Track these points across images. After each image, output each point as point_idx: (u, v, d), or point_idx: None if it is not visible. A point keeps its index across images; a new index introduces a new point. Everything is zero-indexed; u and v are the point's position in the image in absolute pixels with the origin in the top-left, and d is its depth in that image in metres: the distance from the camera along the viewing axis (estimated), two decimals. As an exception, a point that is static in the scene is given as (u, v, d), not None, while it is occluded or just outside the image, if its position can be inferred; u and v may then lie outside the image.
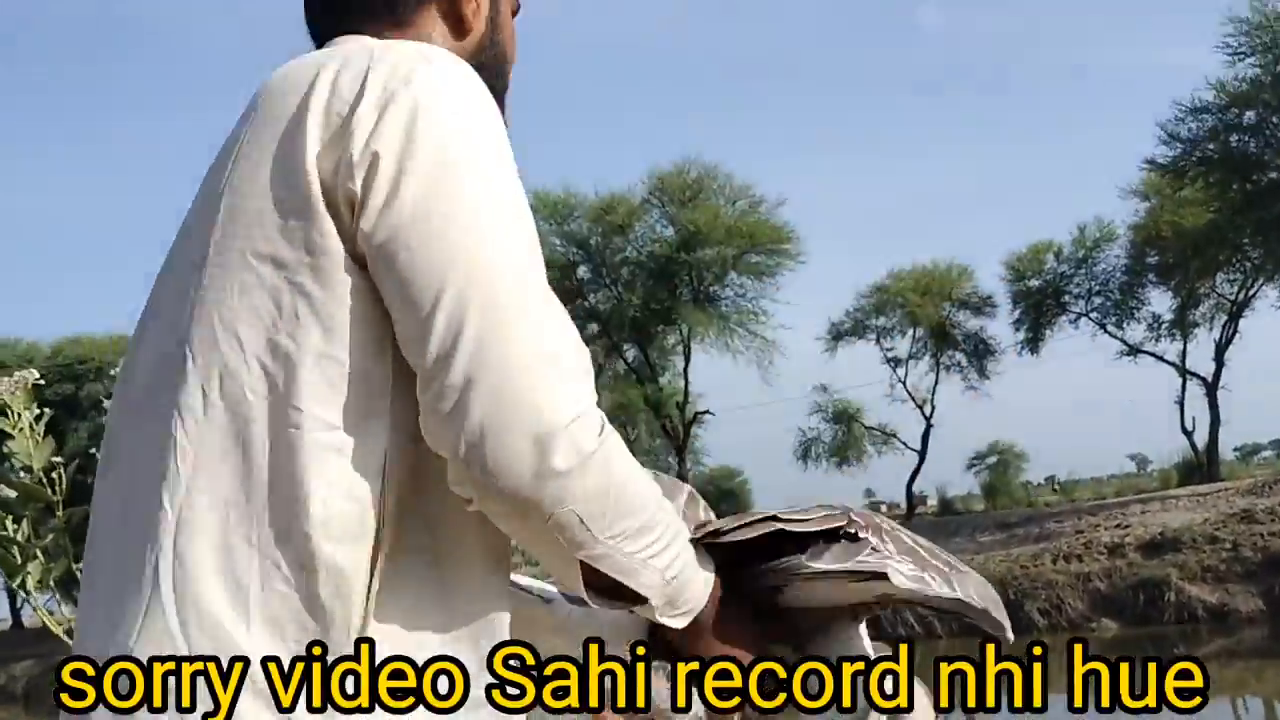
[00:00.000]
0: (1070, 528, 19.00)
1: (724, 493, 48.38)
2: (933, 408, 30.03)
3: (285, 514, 0.87)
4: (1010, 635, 1.15)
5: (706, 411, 25.96)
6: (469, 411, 0.84)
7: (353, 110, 0.91)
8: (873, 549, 1.10)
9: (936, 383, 30.21)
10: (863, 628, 1.17)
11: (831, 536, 1.07)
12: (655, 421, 24.54)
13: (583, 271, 25.92)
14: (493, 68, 1.15)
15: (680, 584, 0.99)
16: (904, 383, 30.49)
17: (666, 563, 0.96)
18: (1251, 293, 26.32)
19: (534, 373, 0.86)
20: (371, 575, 0.89)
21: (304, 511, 0.87)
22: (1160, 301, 28.36)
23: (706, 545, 1.07)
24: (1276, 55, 21.30)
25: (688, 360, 24.43)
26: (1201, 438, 26.93)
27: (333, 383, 0.89)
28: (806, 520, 1.08)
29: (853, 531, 1.09)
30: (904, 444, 31.26)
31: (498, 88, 1.15)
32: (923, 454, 30.35)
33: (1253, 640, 13.90)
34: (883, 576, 1.05)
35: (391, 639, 0.89)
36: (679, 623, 1.00)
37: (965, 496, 40.18)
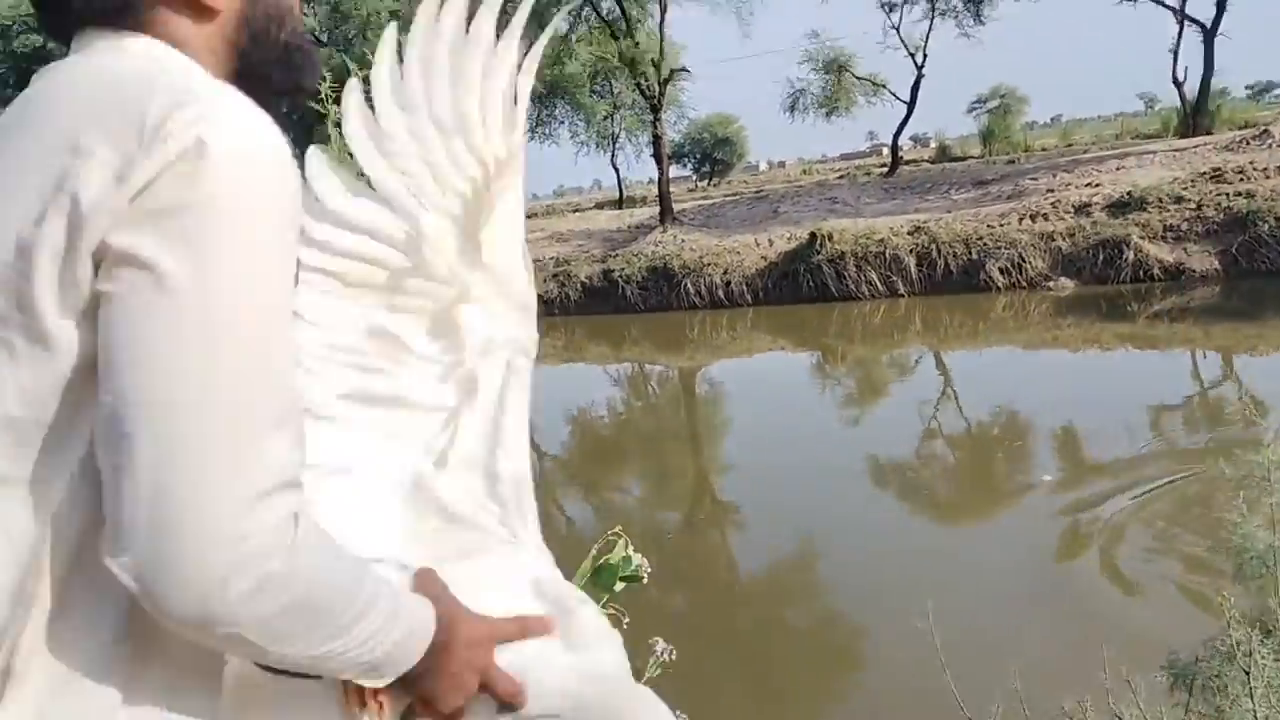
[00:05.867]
0: (1044, 185, 19.00)
1: (720, 140, 48.33)
2: (925, 56, 29.07)
3: None
4: None
5: (683, 69, 25.16)
6: (136, 540, 0.79)
7: (130, 160, 0.81)
8: None
9: (930, 29, 29.06)
10: None
11: None
12: (632, 79, 23.83)
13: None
14: (271, 22, 1.00)
15: (381, 661, 0.94)
16: (897, 30, 29.30)
17: (363, 653, 0.91)
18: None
19: (212, 501, 0.79)
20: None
21: None
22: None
23: None
24: None
25: (663, 13, 23.38)
26: (1194, 89, 26.27)
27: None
28: None
29: None
30: (894, 94, 30.54)
31: (288, 42, 1.01)
32: (911, 105, 29.64)
33: (1204, 298, 14.29)
34: None
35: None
36: (375, 683, 0.97)
37: (963, 140, 39.82)
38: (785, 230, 19.91)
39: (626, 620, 1.78)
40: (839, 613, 5.90)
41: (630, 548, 1.84)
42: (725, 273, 18.91)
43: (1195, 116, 25.53)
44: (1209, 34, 25.55)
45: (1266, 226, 14.72)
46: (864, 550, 6.63)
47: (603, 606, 1.70)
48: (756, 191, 29.76)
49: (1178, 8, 26.14)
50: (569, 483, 10.19)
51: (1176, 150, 20.01)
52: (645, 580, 1.81)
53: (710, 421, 12.32)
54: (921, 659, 3.09)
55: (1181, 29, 26.14)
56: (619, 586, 1.80)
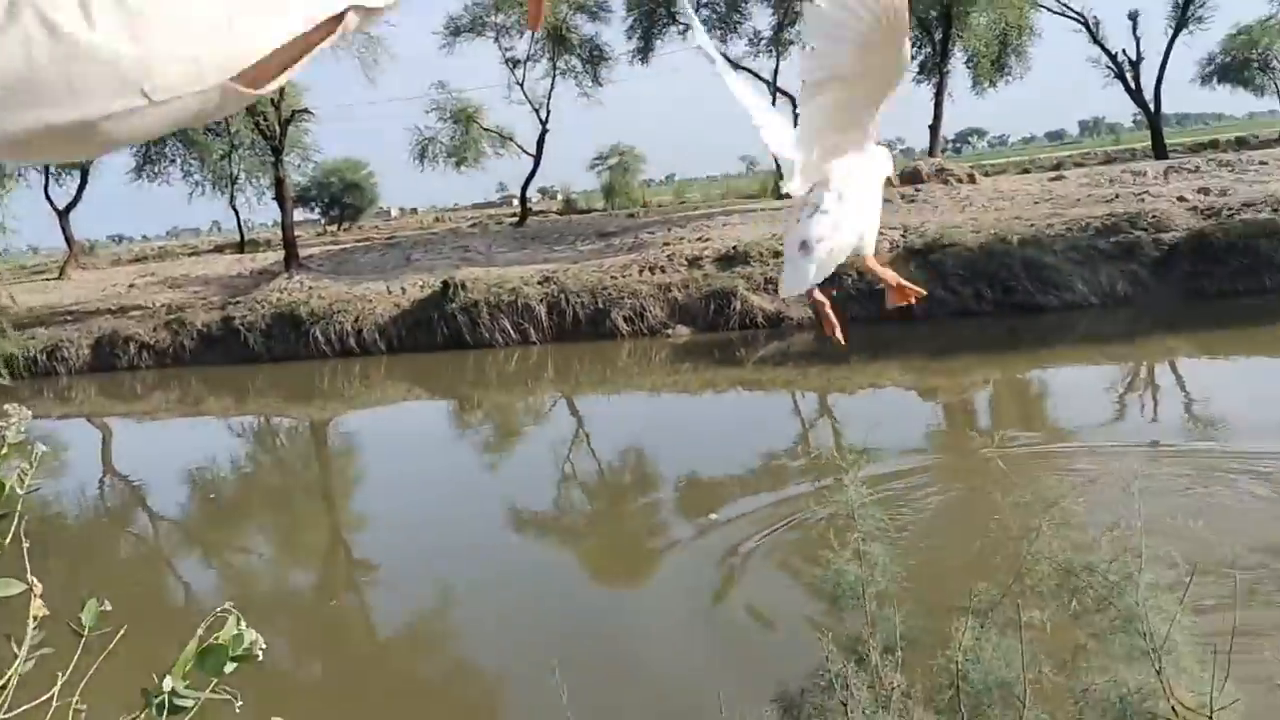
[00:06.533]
0: (660, 239, 20.24)
1: (349, 185, 47.55)
2: (548, 112, 30.11)
3: None
4: None
5: (305, 111, 24.49)
6: None
7: None
8: None
9: (553, 87, 30.18)
10: None
11: None
12: (250, 119, 22.88)
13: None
14: None
15: None
16: (521, 85, 30.17)
17: None
18: (841, 14, 27.88)
19: None
20: None
21: None
22: (761, 18, 29.57)
23: None
24: None
25: (282, 55, 22.66)
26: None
27: None
28: None
29: None
30: (521, 147, 31.33)
31: None
32: (537, 158, 30.60)
33: (802, 344, 15.75)
34: None
35: None
36: None
37: (588, 194, 41.70)
38: (418, 277, 19.84)
39: (240, 704, 1.72)
40: (481, 667, 5.93)
41: (243, 623, 1.75)
42: (356, 320, 18.53)
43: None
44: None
45: (850, 279, 16.51)
46: (505, 601, 6.70)
47: (211, 691, 1.64)
48: (389, 238, 29.46)
49: (770, 80, 28.97)
50: (188, 548, 9.52)
51: (774, 209, 22.05)
52: (260, 658, 1.74)
53: (345, 475, 11.99)
54: (563, 711, 3.19)
55: (775, 99, 28.94)
56: (230, 668, 1.70)
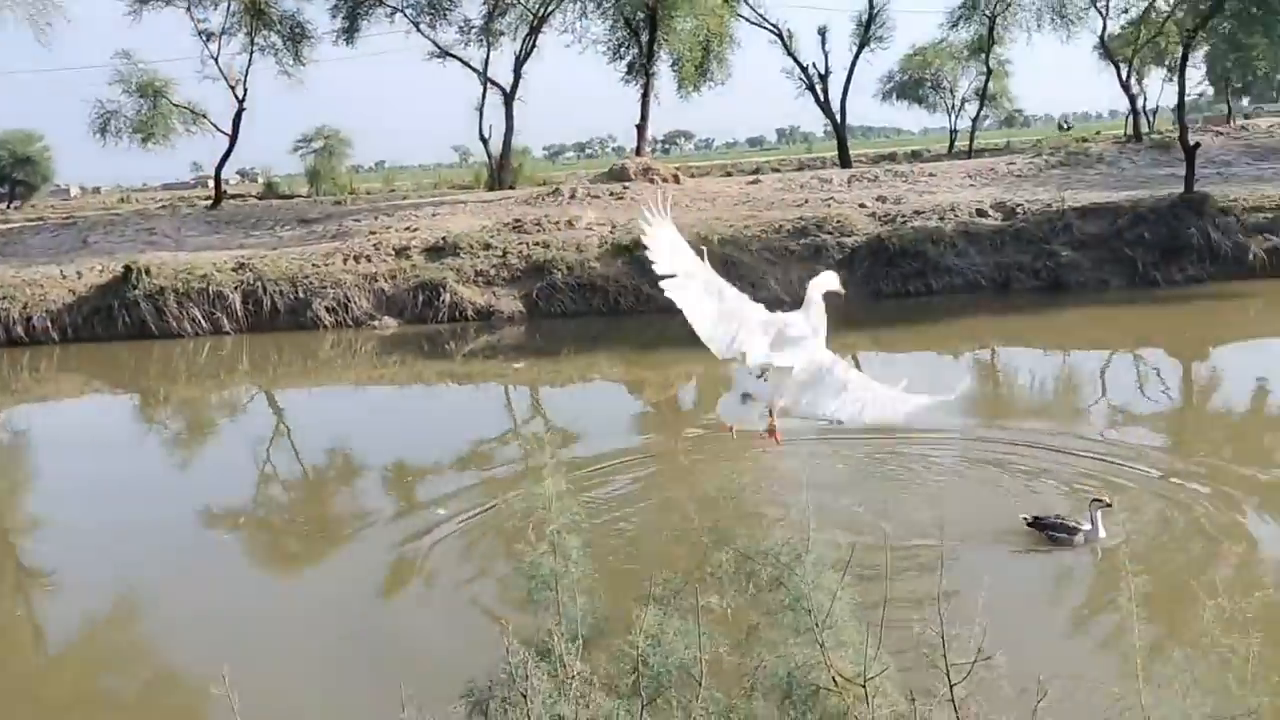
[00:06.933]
0: (366, 227, 19.72)
1: (20, 159, 43.55)
2: (245, 90, 28.58)
3: None
4: None
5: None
6: None
7: None
8: None
9: (250, 63, 28.69)
10: None
11: None
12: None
13: None
14: None
15: None
16: (216, 60, 28.50)
17: None
18: (550, 9, 28.13)
19: None
20: None
21: None
22: (471, 6, 29.27)
23: None
24: None
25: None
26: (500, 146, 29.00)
27: None
28: None
29: None
30: (215, 125, 29.56)
31: None
32: (234, 138, 28.99)
33: (512, 337, 15.81)
34: None
35: None
36: None
37: (292, 178, 39.88)
38: (97, 261, 18.36)
39: None
40: (170, 676, 5.58)
41: None
42: (25, 307, 16.93)
43: (500, 172, 28.24)
44: (509, 97, 28.45)
45: (559, 275, 16.75)
46: (195, 606, 6.32)
47: None
48: (65, 218, 27.14)
49: (481, 70, 28.77)
50: None
51: (485, 201, 21.97)
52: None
53: (12, 476, 10.91)
54: (249, 714, 3.04)
55: (485, 90, 28.79)
56: None
